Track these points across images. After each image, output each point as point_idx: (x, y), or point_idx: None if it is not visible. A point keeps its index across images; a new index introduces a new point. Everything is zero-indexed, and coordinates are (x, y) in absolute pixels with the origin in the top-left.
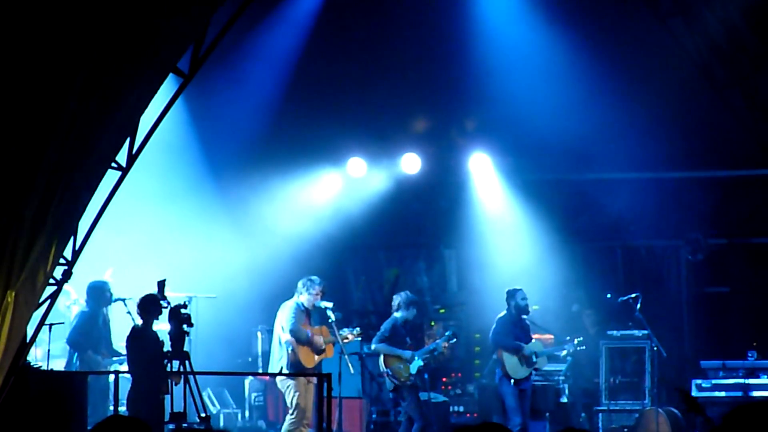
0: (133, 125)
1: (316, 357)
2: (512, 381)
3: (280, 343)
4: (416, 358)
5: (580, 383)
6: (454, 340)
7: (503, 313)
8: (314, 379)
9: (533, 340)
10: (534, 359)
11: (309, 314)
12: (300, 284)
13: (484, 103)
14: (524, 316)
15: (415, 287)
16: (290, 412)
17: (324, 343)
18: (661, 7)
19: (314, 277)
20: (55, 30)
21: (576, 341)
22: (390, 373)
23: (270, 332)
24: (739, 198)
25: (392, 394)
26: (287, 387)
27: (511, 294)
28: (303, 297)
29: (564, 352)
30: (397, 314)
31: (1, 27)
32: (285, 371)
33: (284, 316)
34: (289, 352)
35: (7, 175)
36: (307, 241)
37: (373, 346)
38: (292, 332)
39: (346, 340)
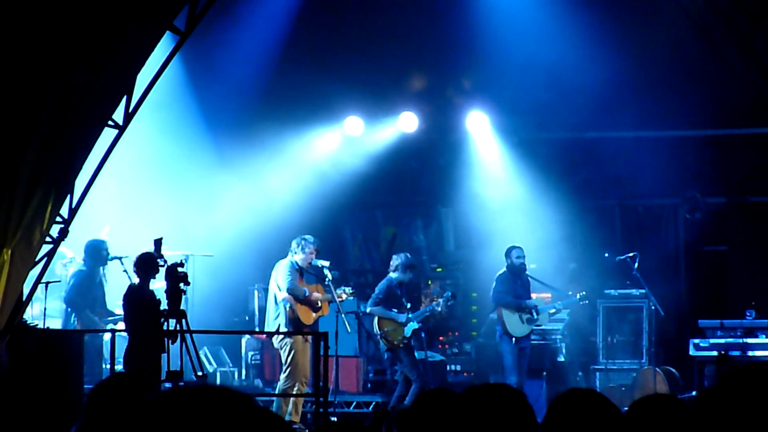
0: (130, 83)
1: (314, 314)
2: (513, 339)
3: (275, 301)
4: (412, 320)
5: (577, 342)
6: (452, 301)
7: (503, 270)
8: (311, 338)
9: (533, 298)
10: (535, 316)
11: (302, 273)
12: (294, 243)
13: (482, 62)
14: (526, 273)
15: (412, 246)
16: (284, 369)
17: (320, 300)
18: None
19: (308, 236)
20: None
21: (578, 295)
22: (383, 335)
23: (267, 291)
24: (738, 156)
25: (388, 354)
26: (284, 345)
27: (507, 251)
28: (297, 256)
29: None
30: (392, 275)
31: None
32: (283, 329)
33: (280, 275)
34: (287, 309)
35: (3, 133)
36: (304, 200)
37: (368, 309)
38: (290, 290)
39: (340, 299)
